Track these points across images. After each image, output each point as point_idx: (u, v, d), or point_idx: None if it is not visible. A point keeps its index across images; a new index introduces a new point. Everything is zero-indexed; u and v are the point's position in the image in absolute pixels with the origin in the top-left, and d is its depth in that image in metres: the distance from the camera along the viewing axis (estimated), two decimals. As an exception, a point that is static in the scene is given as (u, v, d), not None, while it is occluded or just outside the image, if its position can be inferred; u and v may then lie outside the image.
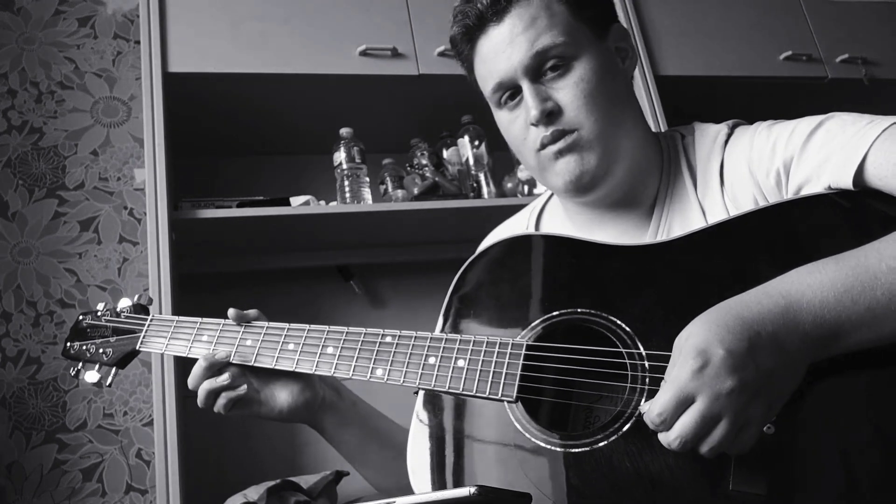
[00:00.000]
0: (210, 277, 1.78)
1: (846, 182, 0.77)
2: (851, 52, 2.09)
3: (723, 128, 0.97)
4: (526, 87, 0.90)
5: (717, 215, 0.90)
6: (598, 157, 0.91)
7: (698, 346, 0.65)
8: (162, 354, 1.33)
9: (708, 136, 0.97)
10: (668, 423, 0.65)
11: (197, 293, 1.68)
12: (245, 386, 0.93)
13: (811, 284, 0.68)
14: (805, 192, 0.82)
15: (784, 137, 0.86)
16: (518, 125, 0.93)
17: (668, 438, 0.65)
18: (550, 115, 0.90)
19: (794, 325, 0.67)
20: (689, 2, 2.05)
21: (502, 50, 0.91)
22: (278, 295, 1.87)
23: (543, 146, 0.91)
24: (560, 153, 0.91)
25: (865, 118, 0.80)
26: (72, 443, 1.71)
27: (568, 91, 0.90)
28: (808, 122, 0.85)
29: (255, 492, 1.28)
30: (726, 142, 0.95)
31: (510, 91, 0.93)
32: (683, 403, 0.64)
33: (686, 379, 0.64)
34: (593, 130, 0.90)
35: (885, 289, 0.66)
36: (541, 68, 0.90)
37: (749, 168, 0.89)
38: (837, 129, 0.81)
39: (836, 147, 0.79)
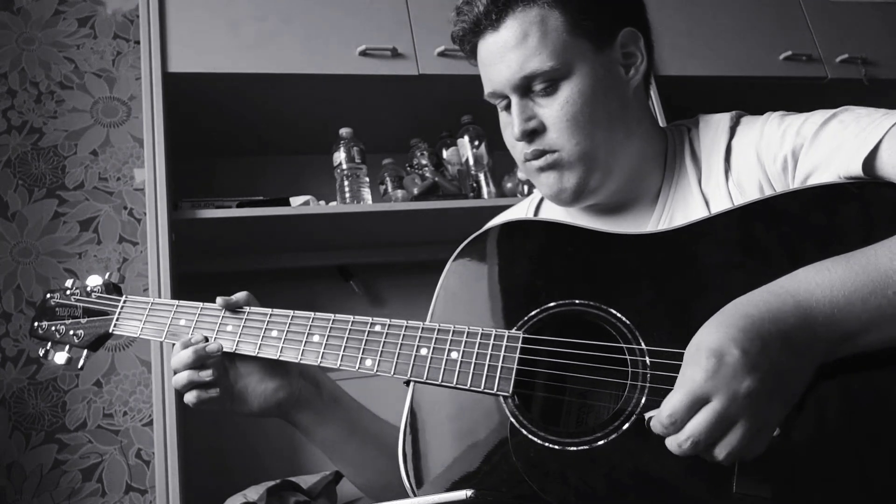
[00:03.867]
0: (210, 277, 1.77)
1: (856, 169, 0.74)
2: (851, 52, 2.10)
3: (727, 116, 0.96)
4: (514, 102, 0.92)
5: (720, 202, 0.89)
6: (579, 177, 0.91)
7: (712, 346, 0.63)
8: (161, 352, 1.35)
9: (712, 125, 0.97)
10: (678, 426, 0.63)
11: (197, 293, 1.67)
12: (218, 389, 0.89)
13: (820, 283, 0.66)
14: (813, 179, 0.81)
15: (795, 125, 0.85)
16: (509, 131, 0.95)
17: (679, 439, 0.63)
18: (533, 133, 0.91)
19: (803, 324, 0.65)
20: (689, 2, 2.05)
21: (494, 63, 0.91)
22: (278, 295, 1.85)
23: (527, 160, 0.93)
24: (541, 169, 0.92)
25: (881, 111, 0.79)
26: (71, 443, 1.71)
27: (553, 111, 0.90)
28: (821, 113, 0.84)
29: (255, 492, 1.28)
30: (732, 129, 0.94)
31: (503, 99, 0.94)
32: (697, 404, 0.62)
33: (701, 380, 0.62)
34: (574, 153, 0.90)
35: None
36: (529, 86, 0.90)
37: (757, 154, 0.88)
38: (851, 119, 0.80)
39: (849, 135, 0.77)
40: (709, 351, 0.63)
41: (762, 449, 0.64)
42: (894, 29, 2.23)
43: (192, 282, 1.70)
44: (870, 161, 0.74)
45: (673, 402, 0.63)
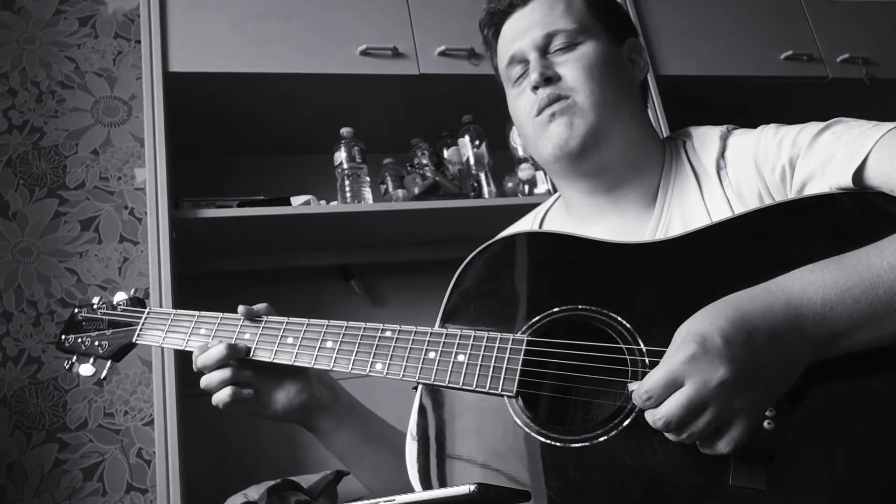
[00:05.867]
0: (210, 277, 1.77)
1: (846, 179, 0.78)
2: (852, 52, 2.09)
3: (718, 129, 1.00)
4: (532, 58, 0.99)
5: (718, 210, 0.92)
6: (588, 125, 0.95)
7: (696, 332, 0.66)
8: (162, 351, 1.35)
9: (706, 137, 1.00)
10: (654, 403, 0.66)
11: (197, 293, 1.68)
12: (252, 390, 0.92)
13: (813, 282, 0.69)
14: (808, 188, 0.84)
15: (791, 136, 0.88)
16: (522, 98, 1.00)
17: (654, 416, 0.66)
18: (549, 79, 0.97)
19: (794, 321, 0.67)
20: (689, 2, 2.05)
21: (521, 32, 1.00)
22: (278, 295, 1.85)
23: (540, 111, 0.97)
24: (553, 115, 0.96)
25: (871, 122, 0.82)
26: (72, 442, 1.71)
27: (569, 64, 0.97)
28: (815, 124, 0.87)
29: (255, 491, 1.28)
30: (724, 139, 0.97)
31: (520, 65, 1.01)
32: (672, 386, 0.65)
33: (678, 362, 0.65)
34: (587, 99, 0.96)
35: (886, 287, 0.67)
36: (549, 46, 0.99)
37: (755, 163, 0.91)
38: (844, 130, 0.83)
39: (842, 146, 0.81)
40: (693, 335, 0.66)
41: (740, 441, 0.65)
42: (894, 29, 2.23)
43: (192, 282, 1.70)
44: (860, 171, 0.77)
45: (651, 380, 0.66)
